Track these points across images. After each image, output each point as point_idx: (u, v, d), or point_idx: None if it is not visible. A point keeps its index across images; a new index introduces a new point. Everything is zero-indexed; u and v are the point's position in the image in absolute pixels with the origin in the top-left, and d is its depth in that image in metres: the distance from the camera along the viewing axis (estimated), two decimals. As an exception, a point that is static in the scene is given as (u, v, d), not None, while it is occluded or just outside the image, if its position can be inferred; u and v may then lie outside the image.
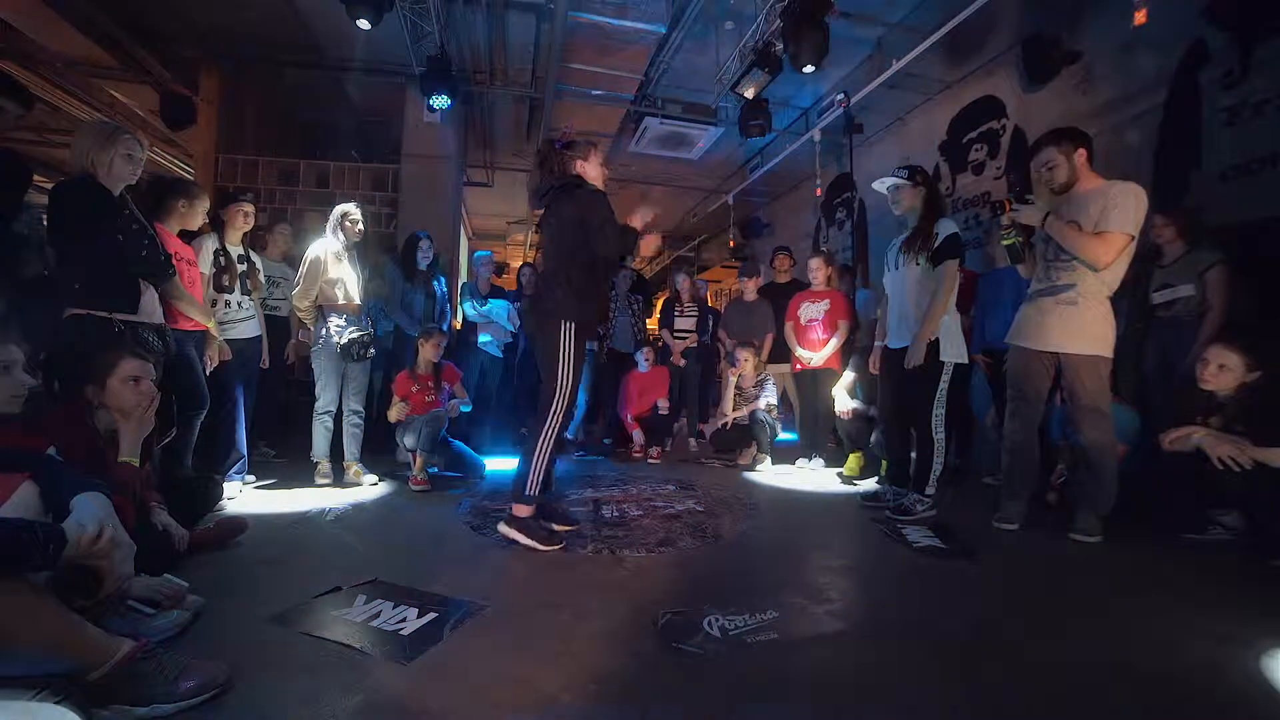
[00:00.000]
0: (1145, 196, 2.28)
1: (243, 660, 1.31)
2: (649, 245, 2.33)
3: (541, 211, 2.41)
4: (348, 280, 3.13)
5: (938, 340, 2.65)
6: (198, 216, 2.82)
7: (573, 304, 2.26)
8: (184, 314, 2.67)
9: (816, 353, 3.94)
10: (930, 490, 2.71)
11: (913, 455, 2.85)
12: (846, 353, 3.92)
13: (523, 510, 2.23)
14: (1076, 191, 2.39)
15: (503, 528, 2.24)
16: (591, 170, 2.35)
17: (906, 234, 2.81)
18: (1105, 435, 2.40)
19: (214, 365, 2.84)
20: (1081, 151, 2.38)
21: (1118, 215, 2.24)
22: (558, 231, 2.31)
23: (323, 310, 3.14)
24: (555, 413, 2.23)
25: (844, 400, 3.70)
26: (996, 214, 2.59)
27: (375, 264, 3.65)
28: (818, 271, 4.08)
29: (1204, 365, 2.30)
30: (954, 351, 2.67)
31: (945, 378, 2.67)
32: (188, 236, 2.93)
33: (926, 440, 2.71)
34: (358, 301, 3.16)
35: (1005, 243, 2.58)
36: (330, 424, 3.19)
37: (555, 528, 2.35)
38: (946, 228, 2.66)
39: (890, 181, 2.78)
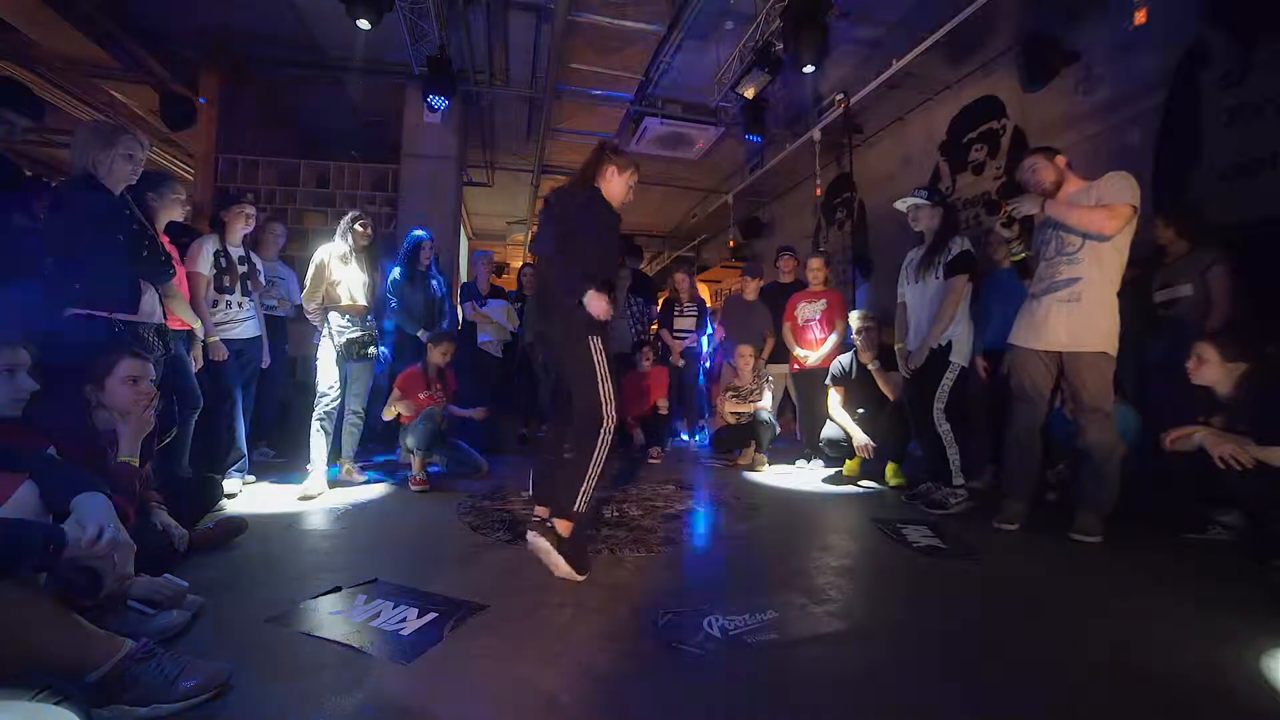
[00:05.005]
0: (1134, 179, 2.37)
1: (243, 660, 1.31)
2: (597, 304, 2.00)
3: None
4: (351, 282, 3.15)
5: (950, 343, 2.86)
6: (172, 208, 2.72)
7: (594, 317, 2.03)
8: (173, 314, 2.67)
9: (815, 352, 3.96)
10: (958, 480, 2.84)
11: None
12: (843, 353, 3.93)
13: (565, 526, 1.96)
14: (1066, 191, 2.48)
15: (532, 536, 1.95)
16: (617, 182, 2.20)
17: (923, 250, 3.00)
18: (1108, 435, 2.41)
19: (199, 366, 2.86)
20: (1061, 158, 2.53)
21: (1116, 192, 2.33)
22: (566, 238, 2.11)
23: (327, 311, 3.16)
24: (605, 430, 2.00)
25: (859, 436, 3.43)
26: (993, 214, 2.63)
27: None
28: (818, 271, 4.11)
29: (1189, 360, 2.33)
30: (964, 356, 2.89)
31: (950, 376, 2.86)
32: (178, 231, 2.93)
33: (934, 434, 2.88)
34: (362, 303, 3.18)
35: (1016, 258, 2.67)
36: (330, 428, 3.12)
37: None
38: (959, 245, 2.86)
39: (911, 201, 2.97)
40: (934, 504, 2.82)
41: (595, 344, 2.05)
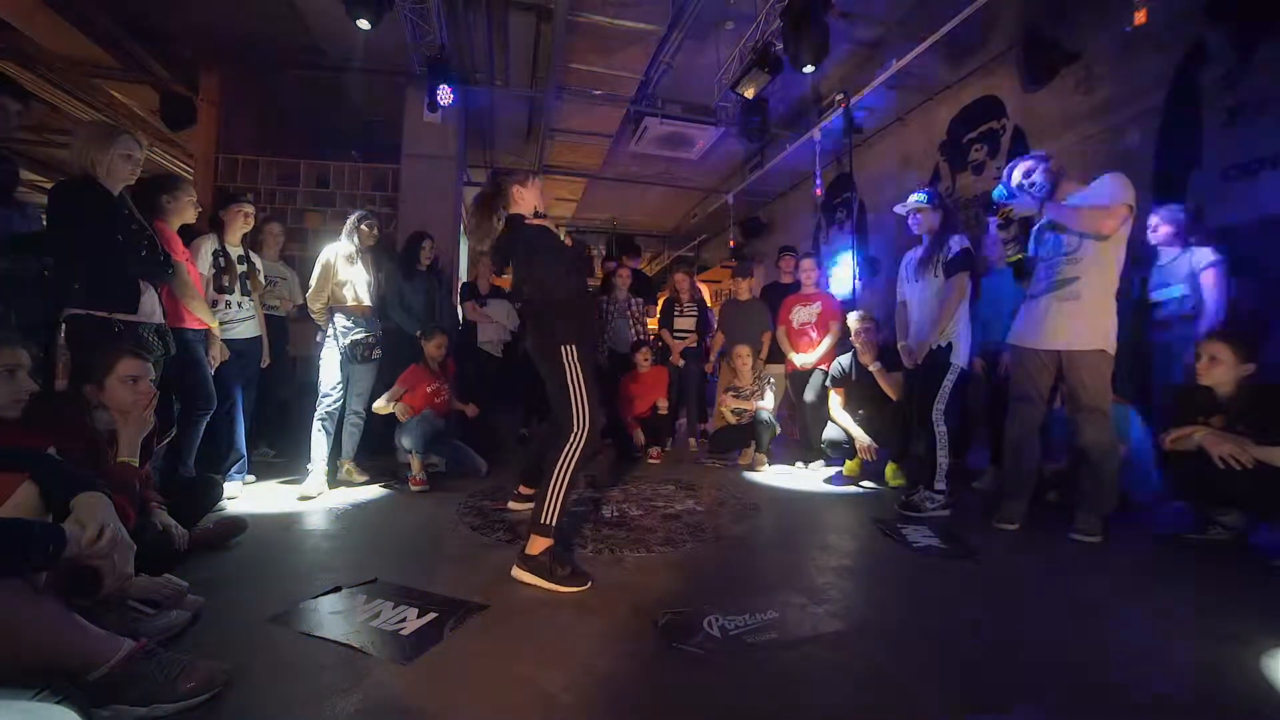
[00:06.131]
0: (1129, 179, 2.39)
1: (243, 660, 1.31)
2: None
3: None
4: (357, 282, 3.15)
5: (950, 344, 2.83)
6: (185, 210, 2.75)
7: (568, 326, 2.09)
8: (192, 313, 2.68)
9: (810, 354, 4.00)
10: (940, 485, 2.80)
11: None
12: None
13: (538, 545, 1.91)
14: (1063, 192, 2.50)
15: (516, 571, 1.90)
16: (527, 196, 2.25)
17: (923, 250, 2.99)
18: (1106, 435, 2.41)
19: (215, 365, 2.86)
20: (1056, 160, 2.56)
21: (1112, 192, 2.35)
22: (526, 264, 2.19)
23: (332, 311, 3.16)
24: (576, 439, 2.00)
25: (863, 438, 3.43)
26: (991, 214, 2.64)
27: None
28: (810, 273, 4.12)
29: (1197, 360, 2.33)
30: (963, 358, 2.87)
31: (950, 377, 2.83)
32: (188, 234, 2.94)
33: (930, 434, 2.86)
34: (367, 303, 3.17)
35: (1011, 259, 2.69)
36: (332, 429, 3.12)
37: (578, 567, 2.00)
38: (959, 243, 2.86)
39: (911, 204, 2.97)
40: (910, 505, 2.78)
41: (570, 354, 2.05)
